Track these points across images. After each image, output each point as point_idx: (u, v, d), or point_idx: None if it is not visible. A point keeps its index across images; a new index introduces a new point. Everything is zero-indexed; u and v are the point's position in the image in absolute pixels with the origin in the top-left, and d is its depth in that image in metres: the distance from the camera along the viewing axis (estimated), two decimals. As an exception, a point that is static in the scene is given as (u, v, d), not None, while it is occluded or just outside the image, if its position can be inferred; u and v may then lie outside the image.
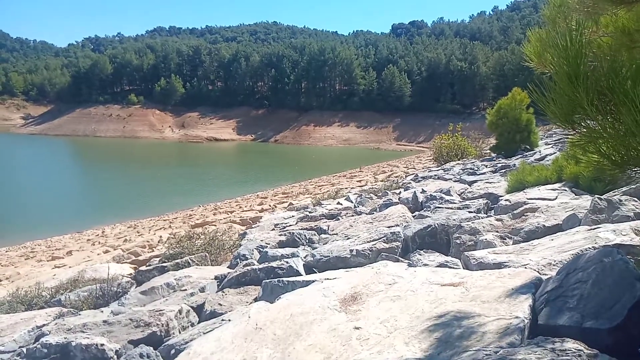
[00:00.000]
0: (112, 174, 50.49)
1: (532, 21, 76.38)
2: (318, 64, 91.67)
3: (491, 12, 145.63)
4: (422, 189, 7.39)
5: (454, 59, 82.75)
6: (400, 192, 8.41)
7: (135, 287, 4.66)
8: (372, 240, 4.03)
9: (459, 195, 6.53)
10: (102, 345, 2.82)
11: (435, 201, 5.92)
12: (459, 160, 14.79)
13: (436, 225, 4.12)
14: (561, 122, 1.65)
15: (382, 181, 17.51)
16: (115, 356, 2.80)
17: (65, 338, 2.92)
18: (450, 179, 8.77)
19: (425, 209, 5.68)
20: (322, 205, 8.79)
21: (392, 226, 4.63)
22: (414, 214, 5.50)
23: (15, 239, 23.66)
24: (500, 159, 11.75)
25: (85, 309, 4.07)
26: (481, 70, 78.67)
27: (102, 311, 3.86)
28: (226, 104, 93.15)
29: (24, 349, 3.22)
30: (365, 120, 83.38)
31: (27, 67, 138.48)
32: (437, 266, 2.94)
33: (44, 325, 3.63)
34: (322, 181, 32.13)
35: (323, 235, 5.43)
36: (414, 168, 25.92)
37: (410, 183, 9.87)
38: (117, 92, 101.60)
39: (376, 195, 8.89)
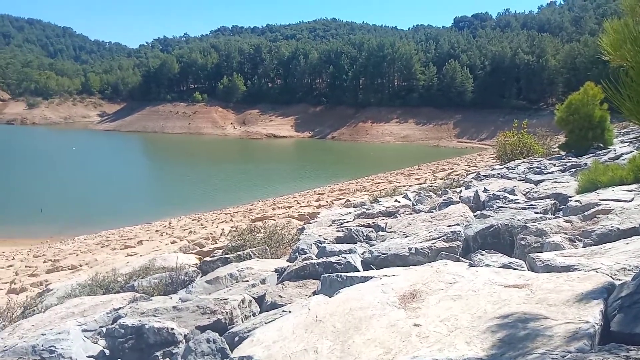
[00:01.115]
0: (177, 169, 53.08)
1: (608, 10, 71.15)
2: (377, 60, 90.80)
3: (562, 2, 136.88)
4: (485, 188, 7.16)
5: (520, 52, 78.80)
6: (461, 190, 8.20)
7: (201, 277, 4.90)
8: (432, 239, 3.98)
9: (524, 195, 6.27)
10: (172, 329, 3.01)
11: (498, 200, 5.72)
12: (524, 158, 14.13)
13: (499, 226, 4.00)
14: (638, 120, 1.56)
15: (441, 179, 17.11)
16: (183, 340, 2.98)
17: (139, 321, 3.14)
18: (515, 178, 8.42)
19: (487, 208, 5.51)
20: (380, 203, 8.75)
21: (452, 225, 4.54)
22: (475, 214, 5.35)
23: (92, 228, 25.58)
24: (570, 157, 11.08)
25: (156, 295, 4.35)
26: (550, 64, 74.33)
27: (171, 297, 4.10)
28: (285, 101, 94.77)
29: (104, 329, 3.51)
30: (425, 117, 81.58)
31: (103, 68, 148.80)
32: (500, 267, 2.86)
33: (120, 308, 3.92)
34: (379, 178, 31.90)
35: (381, 233, 5.42)
36: (476, 166, 25.07)
37: (471, 182, 9.58)
38: (183, 90, 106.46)
39: (435, 193, 8.72)
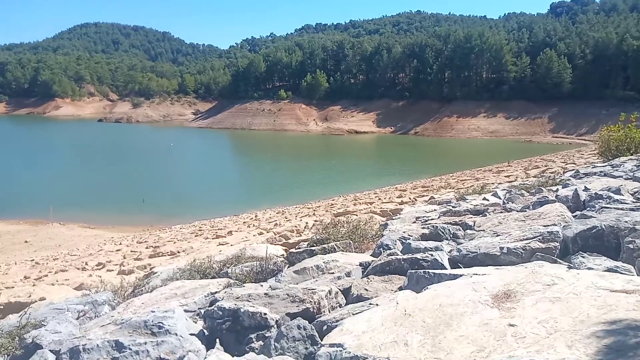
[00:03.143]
0: (262, 165, 55.27)
1: None
2: (463, 52, 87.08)
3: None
4: (585, 187, 6.63)
5: (628, 38, 71.07)
6: (557, 189, 7.66)
7: (288, 267, 5.11)
8: (526, 239, 3.80)
9: (632, 195, 5.72)
10: (265, 314, 3.19)
11: (601, 200, 5.28)
12: (631, 155, 12.78)
13: (603, 227, 3.70)
14: None
15: (534, 177, 16.07)
16: (275, 325, 3.15)
17: (235, 304, 3.36)
18: (621, 177, 7.69)
19: (588, 208, 5.11)
20: (467, 201, 8.45)
21: (548, 225, 4.29)
22: (574, 214, 4.99)
23: (187, 219, 27.58)
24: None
25: (247, 282, 4.62)
26: (665, 50, 66.21)
27: (261, 285, 4.32)
28: (367, 96, 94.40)
29: (202, 310, 3.81)
30: (515, 111, 76.79)
31: (197, 69, 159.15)
32: (605, 271, 2.67)
33: (216, 292, 4.22)
34: (464, 175, 30.73)
35: (468, 231, 5.26)
36: (574, 163, 23.20)
37: (569, 180, 8.89)
38: (269, 88, 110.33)
39: (528, 191, 8.22)
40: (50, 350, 3.09)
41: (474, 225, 5.50)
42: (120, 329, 3.30)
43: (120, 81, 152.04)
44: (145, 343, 3.06)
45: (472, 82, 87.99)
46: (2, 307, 4.75)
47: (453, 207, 7.65)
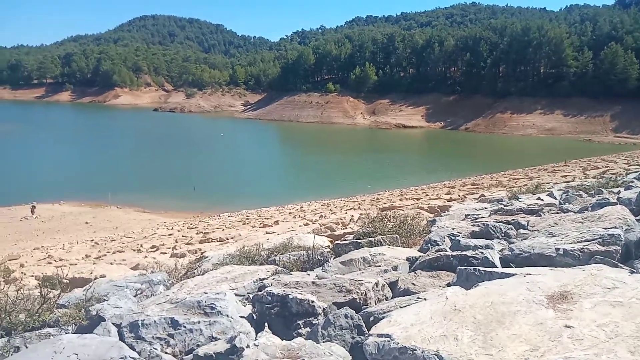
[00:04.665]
0: (308, 157, 55.70)
1: None
2: (520, 45, 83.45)
3: None
4: (652, 189, 6.25)
5: None
6: (619, 191, 7.28)
7: (334, 258, 5.17)
8: (584, 241, 3.65)
9: None
10: (312, 301, 3.26)
11: (669, 204, 4.96)
12: None
13: (671, 232, 3.49)
14: None
15: (594, 178, 15.26)
16: (322, 313, 3.21)
17: (283, 290, 3.46)
18: (692, 180, 7.17)
19: (654, 212, 4.82)
20: (520, 200, 8.18)
21: (608, 228, 4.09)
22: (637, 217, 4.73)
23: (235, 207, 28.35)
24: None
25: (294, 270, 4.72)
26: None
27: (308, 274, 4.40)
28: (416, 90, 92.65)
29: (251, 295, 3.94)
30: (575, 108, 72.86)
31: (248, 61, 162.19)
32: (672, 278, 2.53)
33: (264, 278, 4.34)
34: (517, 174, 29.67)
35: (521, 231, 5.12)
36: (638, 165, 21.77)
37: (632, 182, 8.42)
38: (317, 80, 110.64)
39: (587, 193, 7.86)
40: (112, 324, 3.31)
41: (528, 225, 5.34)
42: (176, 308, 3.48)
43: (175, 72, 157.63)
44: (199, 322, 3.22)
45: (528, 77, 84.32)
46: (67, 281, 5.10)
47: (505, 205, 7.44)
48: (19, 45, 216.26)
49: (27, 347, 3.17)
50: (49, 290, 4.02)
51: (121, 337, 3.13)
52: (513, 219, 5.88)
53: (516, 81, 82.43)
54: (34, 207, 27.69)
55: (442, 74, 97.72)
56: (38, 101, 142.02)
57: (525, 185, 14.03)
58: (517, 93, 79.83)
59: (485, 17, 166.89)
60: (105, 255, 14.04)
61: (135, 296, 4.33)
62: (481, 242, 4.58)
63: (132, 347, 2.98)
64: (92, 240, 19.43)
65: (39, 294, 3.95)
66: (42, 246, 18.68)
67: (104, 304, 3.67)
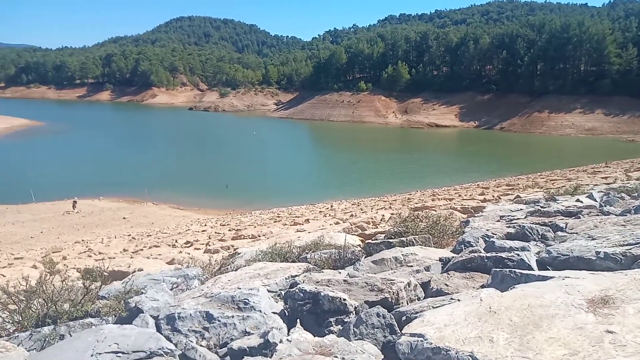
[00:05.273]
0: (339, 156, 55.66)
1: None
2: (560, 43, 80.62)
3: None
4: (701, 193, 5.94)
5: None
6: (665, 194, 6.94)
7: (366, 257, 5.16)
8: (626, 245, 3.52)
9: None
10: (344, 299, 3.27)
11: None
12: None
13: None
14: None
15: (637, 179, 14.62)
16: (354, 311, 3.22)
17: (315, 288, 3.49)
18: None
19: None
20: (557, 201, 7.94)
21: (654, 232, 3.93)
22: (686, 221, 4.51)
23: (266, 205, 28.67)
24: None
25: (326, 268, 4.74)
26: None
27: (339, 272, 4.42)
28: (450, 89, 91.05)
29: (283, 292, 3.99)
30: (617, 107, 69.86)
31: (280, 60, 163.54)
32: None
33: (296, 275, 4.38)
34: (554, 175, 28.75)
35: (559, 233, 4.98)
36: (686, 167, 20.67)
37: (680, 184, 8.01)
38: (349, 79, 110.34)
39: (630, 195, 7.56)
40: (150, 315, 3.43)
41: (566, 227, 5.19)
42: (210, 302, 3.57)
43: (210, 72, 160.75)
44: (233, 317, 3.29)
45: (567, 75, 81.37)
46: (107, 274, 5.31)
47: (542, 207, 7.25)
48: (64, 47, 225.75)
49: (71, 335, 3.32)
50: (91, 282, 4.20)
51: (158, 329, 3.24)
52: (550, 221, 5.73)
53: (554, 79, 79.69)
54: (75, 202, 28.89)
55: (477, 72, 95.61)
56: (80, 100, 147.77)
57: (563, 186, 13.58)
58: (555, 92, 77.19)
59: (523, 14, 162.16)
60: (142, 249, 14.49)
61: (171, 289, 4.46)
62: (517, 244, 4.49)
63: (168, 339, 3.08)
64: (130, 235, 20.08)
65: (81, 285, 4.12)
66: (82, 240, 19.46)
67: (142, 297, 3.81)
